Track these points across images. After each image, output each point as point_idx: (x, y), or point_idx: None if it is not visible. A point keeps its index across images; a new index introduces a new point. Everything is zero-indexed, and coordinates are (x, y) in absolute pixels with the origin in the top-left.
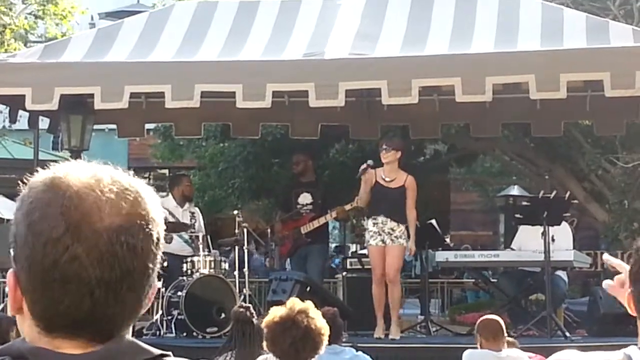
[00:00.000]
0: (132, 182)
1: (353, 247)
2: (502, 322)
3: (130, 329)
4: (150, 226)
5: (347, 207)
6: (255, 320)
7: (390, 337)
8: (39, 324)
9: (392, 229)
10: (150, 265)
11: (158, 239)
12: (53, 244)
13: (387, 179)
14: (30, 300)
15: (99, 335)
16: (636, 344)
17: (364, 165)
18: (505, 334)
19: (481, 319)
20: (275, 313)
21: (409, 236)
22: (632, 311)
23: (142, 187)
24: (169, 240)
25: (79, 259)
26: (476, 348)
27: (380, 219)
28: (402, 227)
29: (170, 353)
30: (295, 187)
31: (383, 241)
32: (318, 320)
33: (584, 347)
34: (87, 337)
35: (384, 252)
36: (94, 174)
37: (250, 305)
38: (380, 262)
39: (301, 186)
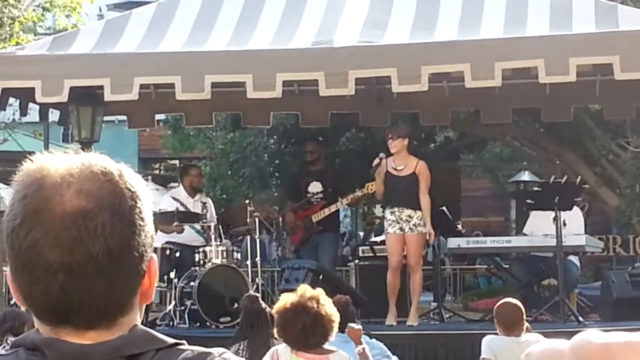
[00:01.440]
0: (110, 166)
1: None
2: (520, 306)
3: (140, 319)
4: (121, 210)
5: (359, 193)
6: (265, 308)
7: (408, 323)
8: (34, 315)
9: (410, 216)
10: (117, 250)
11: (134, 224)
12: (16, 232)
13: (398, 168)
14: (19, 292)
15: (87, 324)
16: None
17: (377, 160)
18: (525, 318)
19: (498, 304)
20: (286, 300)
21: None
22: None
23: (119, 172)
24: (180, 231)
25: (37, 244)
26: (496, 334)
27: (397, 208)
28: (419, 214)
29: (184, 341)
30: (304, 176)
31: (401, 229)
32: (328, 306)
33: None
34: (74, 326)
35: (402, 240)
36: (66, 161)
37: (258, 295)
38: (398, 250)
39: (311, 175)
